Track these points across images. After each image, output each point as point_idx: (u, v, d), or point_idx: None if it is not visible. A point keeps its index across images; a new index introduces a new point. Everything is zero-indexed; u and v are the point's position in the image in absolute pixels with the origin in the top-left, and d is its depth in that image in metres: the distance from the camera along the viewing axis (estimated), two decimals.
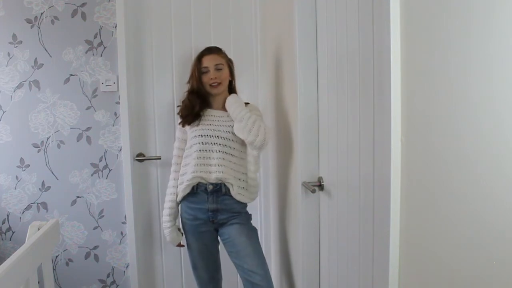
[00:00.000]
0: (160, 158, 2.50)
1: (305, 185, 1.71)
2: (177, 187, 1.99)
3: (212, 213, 1.92)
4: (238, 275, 2.55)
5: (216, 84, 1.95)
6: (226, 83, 2.00)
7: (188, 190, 1.93)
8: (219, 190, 1.91)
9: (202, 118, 1.97)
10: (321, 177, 1.70)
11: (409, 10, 0.93)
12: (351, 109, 1.36)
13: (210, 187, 1.90)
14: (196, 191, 1.93)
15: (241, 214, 1.95)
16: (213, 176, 1.89)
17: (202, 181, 1.91)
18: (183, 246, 2.07)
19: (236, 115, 1.90)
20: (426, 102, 0.87)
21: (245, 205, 1.99)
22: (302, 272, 1.82)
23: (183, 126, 2.00)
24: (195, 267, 2.03)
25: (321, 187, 1.69)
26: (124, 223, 2.51)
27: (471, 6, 0.74)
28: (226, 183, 1.91)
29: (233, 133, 1.92)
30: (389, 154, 0.97)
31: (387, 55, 0.97)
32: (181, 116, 1.99)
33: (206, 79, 1.96)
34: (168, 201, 2.00)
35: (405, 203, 0.96)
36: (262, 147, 1.89)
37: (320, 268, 1.78)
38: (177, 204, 2.00)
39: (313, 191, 1.64)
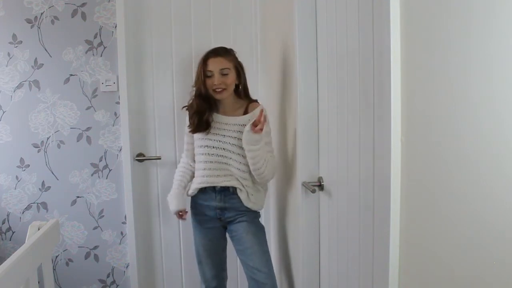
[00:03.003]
0: (160, 158, 2.50)
1: (305, 185, 1.71)
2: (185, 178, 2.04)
3: (220, 211, 1.93)
4: (239, 273, 2.57)
5: (220, 89, 1.86)
6: (231, 88, 1.90)
7: (195, 192, 1.96)
8: (227, 189, 1.91)
9: (211, 125, 1.90)
10: (321, 177, 1.70)
11: (409, 10, 0.93)
12: (351, 109, 1.36)
13: (219, 187, 1.91)
14: (204, 189, 1.94)
15: (249, 211, 1.94)
16: (221, 184, 1.90)
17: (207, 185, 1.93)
18: (183, 218, 2.03)
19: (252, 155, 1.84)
20: (426, 102, 0.87)
21: None
22: (302, 272, 1.82)
23: (194, 133, 1.93)
24: (200, 262, 2.03)
25: (321, 187, 1.68)
26: (124, 223, 2.51)
27: (471, 6, 0.74)
28: (233, 186, 1.91)
29: (239, 145, 1.87)
30: (389, 154, 0.97)
31: (387, 55, 0.98)
32: (192, 124, 1.92)
33: (209, 83, 1.86)
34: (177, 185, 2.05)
35: (405, 203, 0.96)
36: (258, 177, 1.90)
37: (320, 268, 1.78)
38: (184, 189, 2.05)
39: (313, 191, 1.64)
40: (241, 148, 1.86)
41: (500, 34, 0.68)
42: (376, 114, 1.15)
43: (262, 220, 2.52)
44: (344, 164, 1.45)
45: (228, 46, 1.99)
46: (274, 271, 1.92)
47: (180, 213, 2.01)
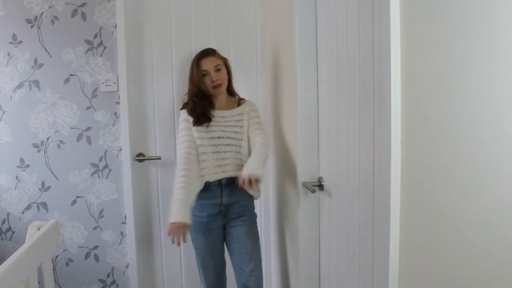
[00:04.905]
0: (160, 158, 2.50)
1: (305, 185, 1.71)
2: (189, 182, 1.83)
3: (225, 207, 1.95)
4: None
5: (218, 85, 1.98)
6: (226, 83, 2.03)
7: (201, 187, 1.93)
8: (233, 182, 1.93)
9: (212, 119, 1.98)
10: (321, 177, 1.70)
11: (409, 10, 0.93)
12: (351, 109, 1.36)
13: (225, 180, 1.94)
14: (209, 186, 1.94)
15: (250, 213, 2.01)
16: (225, 174, 1.94)
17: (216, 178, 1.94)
18: (184, 237, 1.76)
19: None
20: (426, 102, 0.87)
21: (253, 203, 2.05)
22: (302, 272, 1.82)
23: (194, 125, 1.93)
24: (203, 267, 2.03)
25: (321, 187, 1.69)
26: (124, 223, 2.51)
27: (471, 6, 0.74)
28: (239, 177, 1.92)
29: (242, 132, 1.96)
30: (389, 154, 0.97)
31: (387, 55, 0.98)
32: (194, 116, 1.95)
33: (208, 81, 1.98)
34: (179, 187, 1.80)
35: (405, 203, 0.96)
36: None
37: (320, 268, 1.78)
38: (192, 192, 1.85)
39: (313, 191, 1.64)
40: (243, 134, 1.98)
41: (501, 34, 0.68)
42: (376, 114, 1.15)
43: (262, 220, 2.54)
44: (344, 164, 1.45)
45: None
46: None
47: (181, 227, 1.74)
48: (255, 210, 2.07)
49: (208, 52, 2.02)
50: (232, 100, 2.08)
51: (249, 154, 1.95)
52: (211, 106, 2.01)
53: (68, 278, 2.54)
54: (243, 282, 1.91)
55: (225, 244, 2.05)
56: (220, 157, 1.95)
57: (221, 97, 2.03)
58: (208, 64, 1.98)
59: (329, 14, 1.56)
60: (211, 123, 1.97)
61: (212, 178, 1.94)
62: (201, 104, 1.97)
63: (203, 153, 1.94)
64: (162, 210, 2.55)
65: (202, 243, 1.99)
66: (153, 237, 2.57)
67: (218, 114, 2.00)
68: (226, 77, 2.03)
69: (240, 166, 1.94)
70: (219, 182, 1.95)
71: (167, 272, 2.60)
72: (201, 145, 1.94)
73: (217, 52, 2.06)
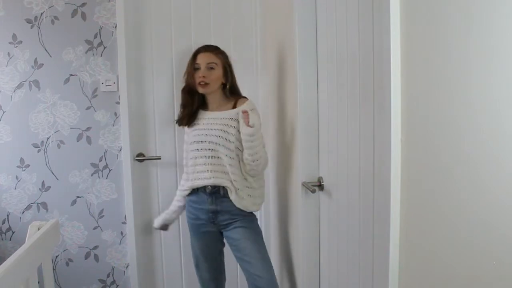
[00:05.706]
0: (160, 158, 2.50)
1: (305, 185, 1.71)
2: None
3: (213, 214, 1.90)
4: (238, 274, 2.56)
5: (203, 83, 1.88)
6: (215, 85, 1.91)
7: (188, 193, 1.96)
8: (217, 192, 1.89)
9: (197, 122, 1.94)
10: (321, 177, 1.70)
11: (409, 10, 0.93)
12: (351, 109, 1.36)
13: (209, 188, 1.89)
14: (197, 191, 1.93)
15: (243, 216, 1.91)
16: (207, 181, 1.88)
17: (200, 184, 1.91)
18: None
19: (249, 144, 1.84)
20: (426, 102, 0.87)
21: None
22: (302, 272, 1.82)
23: (179, 125, 2.02)
24: (197, 266, 2.02)
25: (321, 187, 1.68)
26: (124, 223, 2.51)
27: (471, 6, 0.74)
28: (224, 186, 1.88)
29: (225, 138, 1.86)
30: (389, 154, 0.97)
31: (387, 55, 0.98)
32: (178, 116, 2.01)
33: (196, 76, 1.90)
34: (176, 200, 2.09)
35: (405, 203, 0.96)
36: (251, 171, 1.89)
37: (320, 268, 1.78)
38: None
39: (313, 191, 1.64)
40: (228, 140, 1.86)
41: (501, 34, 0.68)
42: (376, 114, 1.15)
43: (262, 220, 2.53)
44: (344, 164, 1.45)
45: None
46: (275, 271, 1.92)
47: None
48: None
49: (208, 48, 1.94)
50: (227, 101, 1.96)
51: (232, 165, 1.85)
52: (201, 106, 1.97)
53: (68, 278, 2.54)
54: (252, 282, 1.85)
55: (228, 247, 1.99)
56: (202, 162, 1.88)
57: (213, 97, 1.94)
58: (202, 59, 1.90)
59: (329, 14, 1.56)
60: (197, 126, 1.93)
61: (195, 184, 1.90)
62: (188, 101, 1.94)
63: (191, 157, 1.93)
64: (162, 210, 2.54)
65: (196, 245, 1.99)
66: (153, 237, 2.57)
67: (205, 116, 1.94)
68: (219, 79, 1.92)
69: (228, 175, 1.86)
70: (204, 189, 1.89)
71: (167, 272, 2.60)
72: (189, 147, 1.96)
73: (221, 51, 1.96)
